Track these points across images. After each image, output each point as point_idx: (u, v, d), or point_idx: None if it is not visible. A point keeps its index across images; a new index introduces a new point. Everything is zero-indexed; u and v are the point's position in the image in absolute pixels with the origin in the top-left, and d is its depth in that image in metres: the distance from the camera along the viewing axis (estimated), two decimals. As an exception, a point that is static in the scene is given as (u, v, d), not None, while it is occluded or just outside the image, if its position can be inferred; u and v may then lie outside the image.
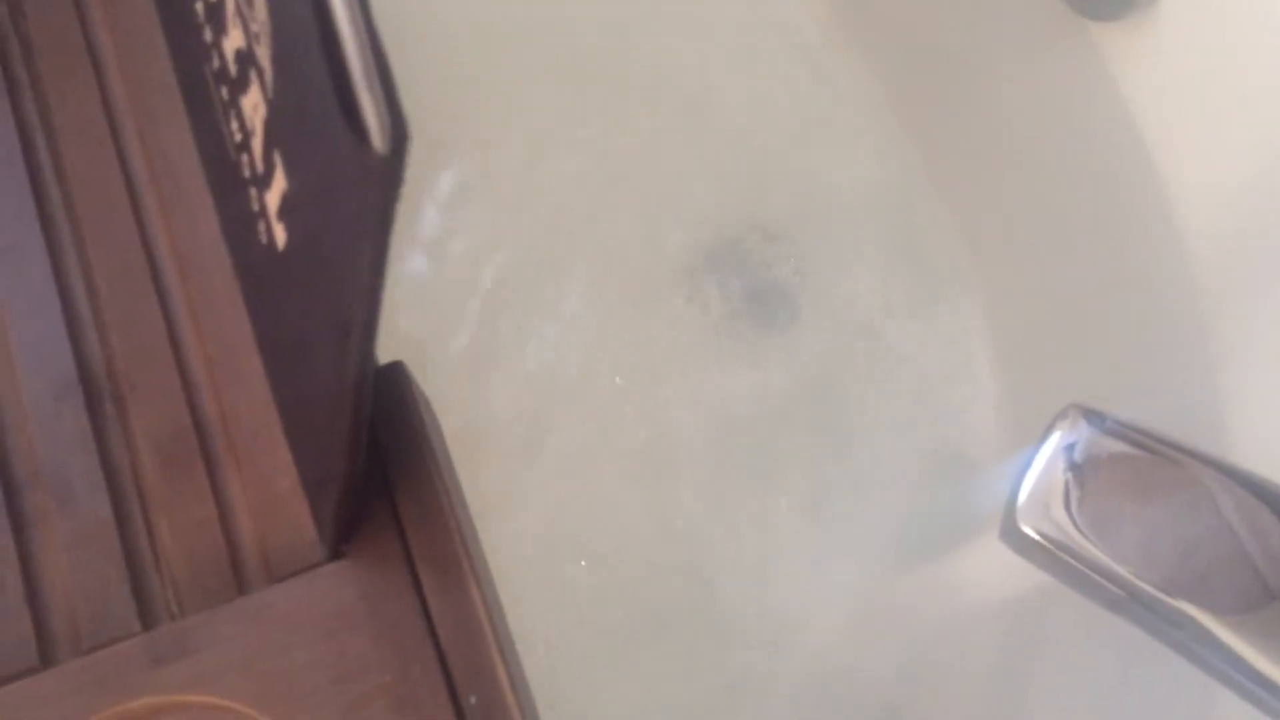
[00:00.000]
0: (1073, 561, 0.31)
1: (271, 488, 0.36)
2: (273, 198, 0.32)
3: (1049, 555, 0.31)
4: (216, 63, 0.35)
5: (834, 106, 0.79)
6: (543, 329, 0.72)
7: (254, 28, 0.30)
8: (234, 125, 0.35)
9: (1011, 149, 0.70)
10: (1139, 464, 0.32)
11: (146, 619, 0.35)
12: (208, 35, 0.35)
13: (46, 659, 0.35)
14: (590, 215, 0.75)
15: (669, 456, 0.69)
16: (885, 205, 0.77)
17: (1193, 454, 0.31)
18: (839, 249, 0.76)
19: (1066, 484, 0.31)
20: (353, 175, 0.23)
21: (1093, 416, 0.32)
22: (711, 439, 0.70)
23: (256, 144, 0.33)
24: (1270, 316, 0.53)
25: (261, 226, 0.33)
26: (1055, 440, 0.32)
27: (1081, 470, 0.32)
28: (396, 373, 0.37)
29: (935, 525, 0.65)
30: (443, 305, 0.71)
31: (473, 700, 0.33)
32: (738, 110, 0.79)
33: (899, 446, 0.68)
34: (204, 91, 0.37)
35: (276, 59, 0.28)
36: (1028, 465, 0.32)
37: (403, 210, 0.24)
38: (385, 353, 0.38)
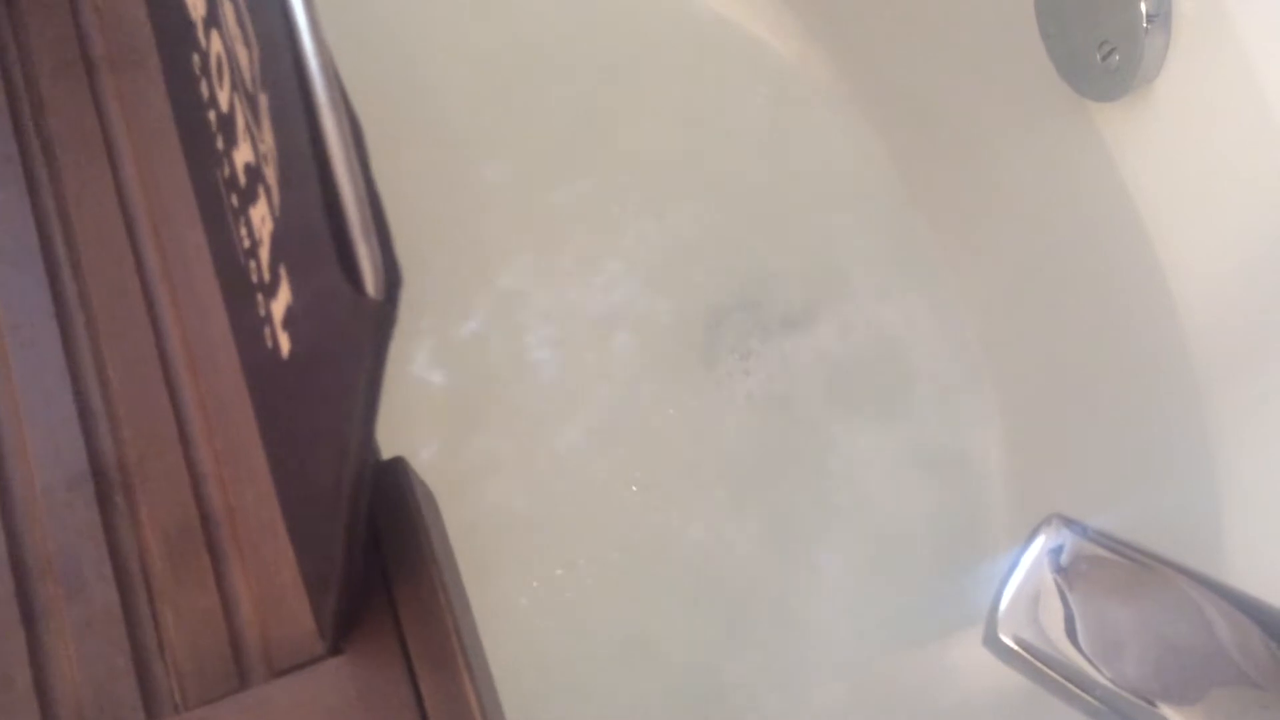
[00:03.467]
0: (1052, 673, 0.31)
1: (274, 581, 0.37)
2: (278, 307, 0.33)
3: (1029, 665, 0.31)
4: (227, 170, 0.37)
5: (840, 175, 0.80)
6: (552, 381, 0.73)
7: (262, 149, 0.31)
8: (243, 232, 0.36)
9: (1012, 225, 0.71)
10: (1120, 571, 0.32)
11: (151, 710, 0.36)
12: (219, 144, 0.37)
13: (53, 749, 0.36)
14: (598, 279, 0.76)
15: (665, 523, 0.70)
16: (890, 275, 0.78)
17: (1170, 563, 0.32)
18: (843, 315, 0.77)
19: (1049, 591, 0.32)
20: (347, 315, 0.24)
21: (1074, 525, 0.32)
22: (712, 511, 0.70)
23: (264, 254, 0.34)
24: (1266, 398, 0.54)
25: (268, 331, 0.35)
26: (1038, 547, 0.33)
27: (1065, 576, 0.32)
28: (397, 469, 0.37)
29: (935, 612, 0.65)
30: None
31: (466, 798, 0.34)
32: (742, 171, 0.80)
33: (903, 531, 0.69)
34: (216, 195, 0.39)
35: (281, 184, 0.30)
36: (1009, 573, 0.33)
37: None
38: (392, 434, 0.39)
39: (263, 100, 0.29)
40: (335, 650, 0.36)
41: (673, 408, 0.73)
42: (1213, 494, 0.52)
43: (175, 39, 0.40)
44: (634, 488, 0.71)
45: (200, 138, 0.39)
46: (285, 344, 0.33)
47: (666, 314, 0.75)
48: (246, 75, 0.31)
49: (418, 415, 0.70)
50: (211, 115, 0.37)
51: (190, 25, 0.37)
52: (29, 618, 0.37)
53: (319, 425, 0.30)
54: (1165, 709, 0.33)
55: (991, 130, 0.70)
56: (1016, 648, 0.31)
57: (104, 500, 0.39)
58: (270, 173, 0.31)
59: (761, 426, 0.73)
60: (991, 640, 0.32)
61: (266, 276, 0.34)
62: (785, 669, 0.66)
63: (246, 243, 0.36)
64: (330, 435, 0.28)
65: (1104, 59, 0.60)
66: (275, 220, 0.32)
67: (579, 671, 0.66)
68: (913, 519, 0.69)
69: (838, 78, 0.82)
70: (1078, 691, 0.31)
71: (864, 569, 0.68)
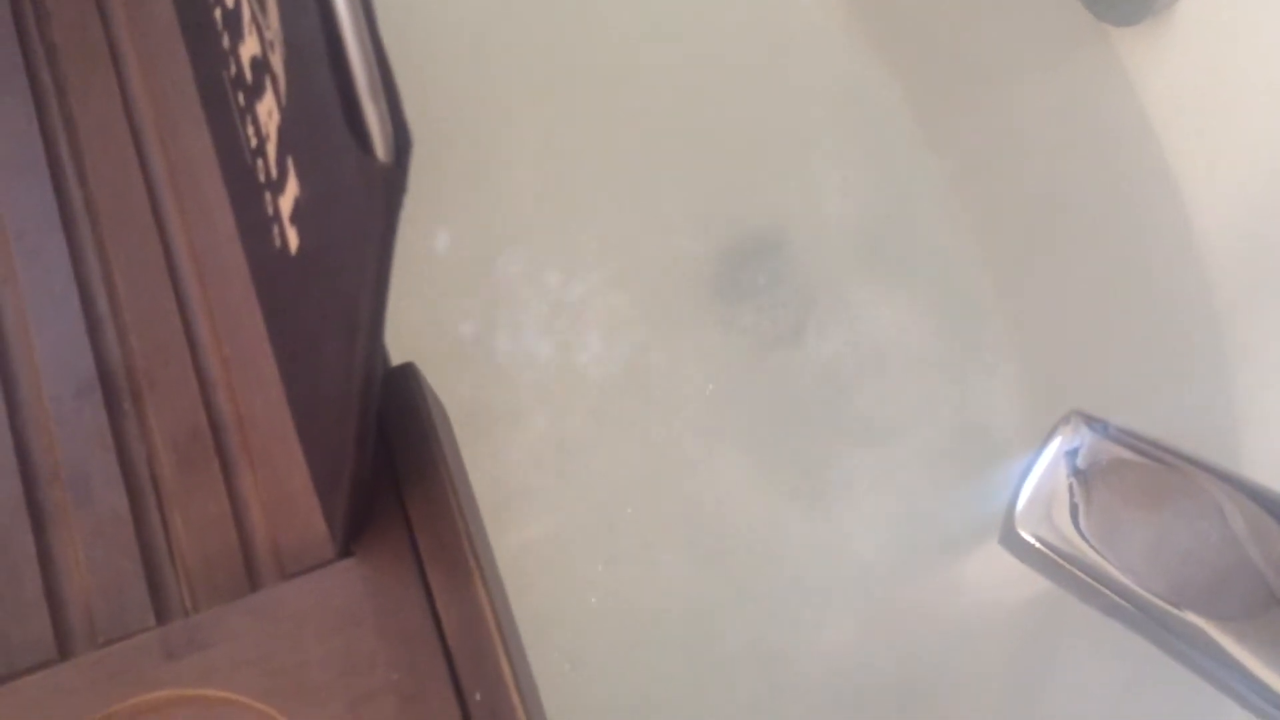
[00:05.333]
0: (1071, 568, 0.31)
1: (284, 485, 0.37)
2: (286, 203, 0.32)
3: (1048, 561, 0.31)
4: (234, 69, 0.36)
5: (853, 108, 0.79)
6: (556, 331, 0.73)
7: (268, 35, 0.31)
8: (250, 130, 0.35)
9: (1030, 151, 0.70)
10: (1142, 471, 0.32)
11: (161, 613, 0.36)
12: (225, 42, 0.36)
13: (64, 652, 0.35)
14: (600, 216, 0.75)
15: (682, 458, 0.70)
16: (902, 208, 0.77)
17: (1196, 462, 0.32)
18: (854, 252, 0.76)
19: (1068, 490, 0.32)
20: (357, 183, 0.23)
21: (1095, 423, 0.32)
22: (722, 439, 0.70)
23: (271, 149, 0.33)
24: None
25: (275, 230, 0.34)
26: (1056, 445, 0.32)
27: (1084, 476, 0.32)
28: (407, 374, 0.37)
29: (947, 526, 0.65)
30: (451, 307, 0.72)
31: (478, 697, 0.33)
32: (753, 110, 0.79)
33: (912, 448, 0.69)
34: (222, 96, 0.38)
35: (288, 66, 0.29)
36: (1028, 470, 0.32)
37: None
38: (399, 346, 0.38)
39: (268, -22, 0.29)
40: (345, 553, 0.36)
41: (681, 344, 0.72)
42: (1230, 416, 0.52)
43: (179, -62, 0.40)
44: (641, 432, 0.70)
45: (205, 39, 0.39)
46: (294, 240, 0.32)
47: (657, 246, 0.74)
48: (251, -43, 0.30)
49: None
50: (217, 14, 0.37)
51: (194, -82, 0.36)
52: (38, 525, 0.37)
53: (329, 313, 0.30)
54: (1188, 615, 0.32)
55: (1007, 58, 0.69)
56: (1035, 543, 0.31)
57: (112, 407, 0.38)
58: (276, 59, 0.30)
59: (775, 360, 0.72)
60: (1009, 537, 0.32)
61: (274, 173, 0.33)
62: (801, 594, 0.65)
63: (254, 141, 0.35)
64: (341, 320, 0.28)
65: (1125, -20, 0.59)
66: (282, 110, 0.31)
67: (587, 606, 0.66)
68: (929, 443, 0.69)
69: (849, 11, 0.81)
70: (1099, 586, 0.30)
71: (880, 489, 0.68)
